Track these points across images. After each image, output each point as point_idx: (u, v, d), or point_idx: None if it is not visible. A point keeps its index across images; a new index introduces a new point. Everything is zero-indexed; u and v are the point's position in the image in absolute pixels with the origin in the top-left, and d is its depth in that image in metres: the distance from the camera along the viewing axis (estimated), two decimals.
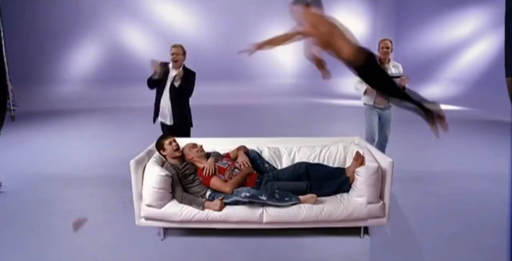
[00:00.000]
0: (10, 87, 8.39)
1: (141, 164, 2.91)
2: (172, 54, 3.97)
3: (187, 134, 4.10)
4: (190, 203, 2.82)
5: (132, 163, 2.82)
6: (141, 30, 11.70)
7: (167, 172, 2.85)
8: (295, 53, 13.34)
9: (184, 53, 4.03)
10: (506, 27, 1.45)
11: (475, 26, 10.68)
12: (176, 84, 3.91)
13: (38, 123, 8.15)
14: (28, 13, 10.56)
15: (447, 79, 11.50)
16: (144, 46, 11.59)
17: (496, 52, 9.62)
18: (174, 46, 4.01)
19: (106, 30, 11.33)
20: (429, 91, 11.78)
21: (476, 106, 9.51)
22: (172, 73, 3.99)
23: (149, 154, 3.14)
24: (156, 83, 4.00)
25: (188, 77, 3.98)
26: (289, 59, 13.12)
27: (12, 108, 8.26)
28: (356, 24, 13.23)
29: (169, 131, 3.93)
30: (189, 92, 4.07)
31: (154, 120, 4.16)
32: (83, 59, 11.29)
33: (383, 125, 4.45)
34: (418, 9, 12.34)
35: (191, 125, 4.21)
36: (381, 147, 4.44)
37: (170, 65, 4.02)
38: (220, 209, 2.77)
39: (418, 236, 2.97)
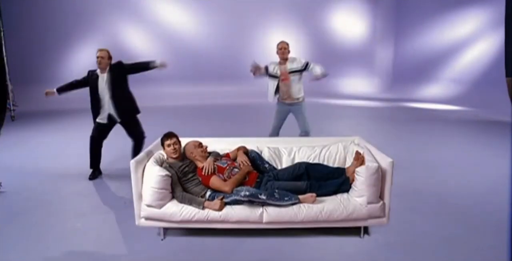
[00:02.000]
0: (10, 87, 8.40)
1: (141, 164, 2.91)
2: (97, 57, 4.19)
3: (135, 122, 4.46)
4: (190, 203, 2.82)
5: (132, 163, 2.83)
6: (141, 30, 11.70)
7: (166, 172, 2.85)
8: (295, 53, 13.36)
9: (109, 58, 4.28)
10: (506, 27, 1.45)
11: (475, 26, 10.69)
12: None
13: (38, 123, 8.15)
14: (28, 13, 10.56)
15: (447, 79, 11.50)
16: (144, 46, 11.60)
17: (496, 52, 9.62)
18: (100, 50, 4.23)
19: (106, 30, 11.32)
20: (429, 91, 11.80)
21: (476, 106, 9.51)
22: (102, 77, 4.25)
23: (149, 154, 3.14)
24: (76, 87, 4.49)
25: (115, 73, 4.26)
26: None
27: (12, 108, 8.26)
28: (356, 24, 13.24)
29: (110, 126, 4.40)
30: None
31: (94, 121, 4.51)
32: (83, 59, 11.28)
33: (297, 118, 4.56)
34: (418, 9, 12.34)
35: (138, 112, 4.46)
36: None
37: (98, 71, 4.28)
38: (220, 209, 2.77)
39: (418, 236, 2.97)
